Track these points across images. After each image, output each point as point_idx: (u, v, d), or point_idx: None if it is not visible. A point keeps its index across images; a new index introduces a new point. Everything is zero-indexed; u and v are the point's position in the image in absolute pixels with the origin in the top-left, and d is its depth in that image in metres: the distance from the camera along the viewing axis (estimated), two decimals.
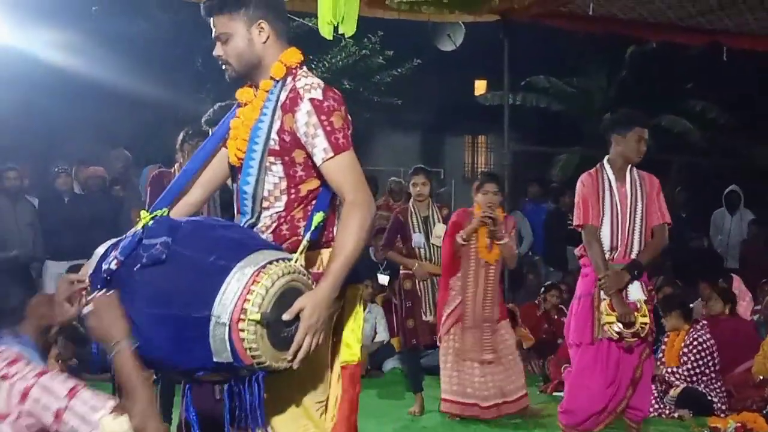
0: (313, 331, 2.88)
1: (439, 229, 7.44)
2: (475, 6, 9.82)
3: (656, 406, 7.53)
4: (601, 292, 5.47)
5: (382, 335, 9.63)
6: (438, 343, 7.30)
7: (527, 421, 7.17)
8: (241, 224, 3.17)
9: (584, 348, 5.58)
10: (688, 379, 7.60)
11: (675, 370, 7.66)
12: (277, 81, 3.14)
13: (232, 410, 2.94)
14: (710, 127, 17.41)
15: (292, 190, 3.14)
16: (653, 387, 7.46)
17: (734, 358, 8.02)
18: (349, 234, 3.00)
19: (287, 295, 2.82)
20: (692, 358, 7.62)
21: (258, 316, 2.72)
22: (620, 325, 5.42)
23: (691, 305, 8.43)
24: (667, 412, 7.54)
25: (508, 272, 10.49)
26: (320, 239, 3.13)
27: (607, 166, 5.64)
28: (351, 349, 3.24)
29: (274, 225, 3.14)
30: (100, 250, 3.02)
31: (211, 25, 3.18)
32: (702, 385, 7.59)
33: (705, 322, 8.09)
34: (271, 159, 3.12)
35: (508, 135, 10.71)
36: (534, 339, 9.74)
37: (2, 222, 9.35)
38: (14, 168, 9.63)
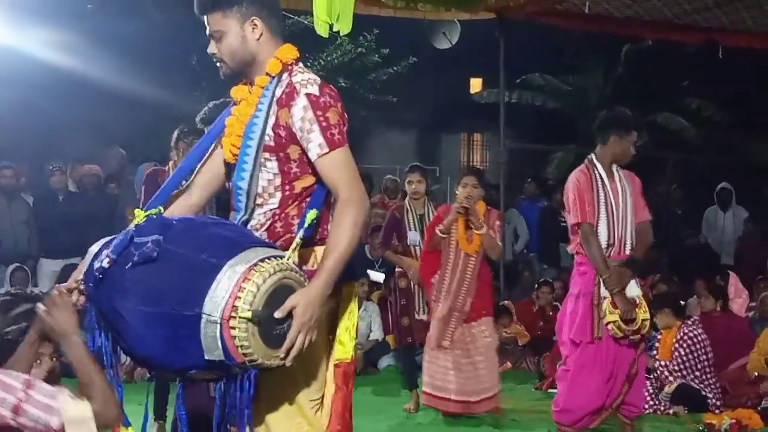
0: (306, 329, 2.86)
1: None
2: (470, 4, 9.83)
3: (651, 402, 7.55)
4: (601, 290, 5.48)
5: (377, 333, 9.64)
6: None
7: (522, 417, 7.18)
8: (236, 221, 3.17)
9: (584, 346, 5.55)
10: (680, 373, 7.62)
11: (666, 363, 7.68)
12: (273, 77, 3.14)
13: (222, 408, 2.94)
14: (706, 124, 17.43)
15: (287, 187, 3.13)
16: (648, 384, 7.49)
17: (728, 354, 8.04)
18: (343, 231, 2.99)
19: (279, 293, 2.81)
20: (683, 353, 7.65)
21: (249, 314, 2.71)
22: (622, 323, 5.43)
23: (686, 302, 8.45)
24: (662, 408, 7.56)
25: (504, 269, 10.52)
26: (314, 236, 3.13)
27: (597, 164, 5.64)
28: (344, 346, 3.23)
29: (269, 222, 3.14)
30: (94, 248, 3.02)
31: (205, 23, 3.18)
32: (696, 381, 7.61)
33: (696, 318, 8.11)
34: (266, 155, 3.11)
35: (504, 133, 10.71)
36: (529, 336, 9.77)
37: None
38: (10, 166, 9.63)
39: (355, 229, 3.00)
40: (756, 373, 7.73)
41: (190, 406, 3.20)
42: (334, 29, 5.75)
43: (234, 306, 2.71)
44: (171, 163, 5.95)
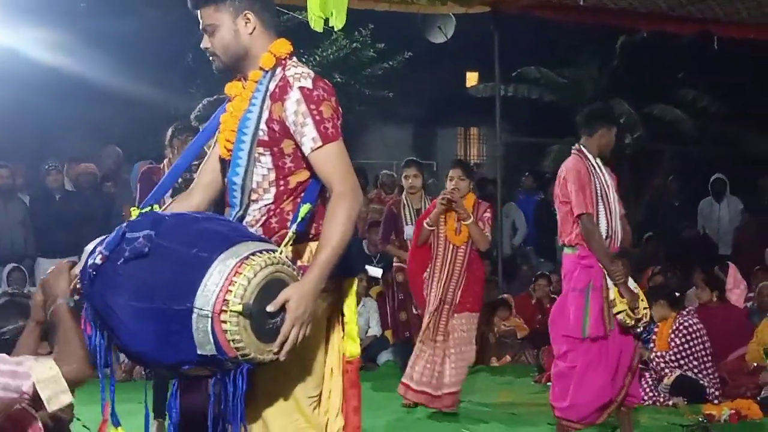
0: (299, 323, 2.84)
1: None
2: None
3: (651, 394, 7.56)
4: (608, 283, 5.45)
5: (375, 329, 9.63)
6: None
7: (522, 410, 7.18)
8: (231, 217, 3.16)
9: (590, 342, 5.51)
10: (677, 363, 7.62)
11: (663, 354, 7.68)
12: (267, 71, 3.13)
13: (217, 405, 2.93)
14: (701, 115, 17.40)
15: (281, 182, 3.12)
16: (647, 375, 7.51)
17: (727, 345, 8.04)
18: (336, 225, 2.98)
19: (272, 287, 2.79)
20: (678, 342, 7.65)
21: (240, 308, 2.70)
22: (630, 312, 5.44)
23: (684, 293, 8.47)
24: (662, 400, 7.56)
25: (502, 263, 10.52)
26: (308, 231, 3.11)
27: (589, 154, 5.63)
28: (355, 342, 3.23)
29: (264, 218, 3.13)
30: (89, 247, 3.00)
31: (198, 17, 3.18)
32: (694, 370, 7.60)
33: (692, 308, 8.12)
34: (260, 150, 3.10)
35: (500, 126, 10.72)
36: (528, 329, 9.78)
37: None
38: (6, 166, 9.65)
39: (348, 223, 2.99)
40: (755, 364, 7.74)
41: (184, 406, 3.19)
42: (329, 24, 5.74)
43: (225, 299, 2.70)
44: (166, 161, 5.93)
